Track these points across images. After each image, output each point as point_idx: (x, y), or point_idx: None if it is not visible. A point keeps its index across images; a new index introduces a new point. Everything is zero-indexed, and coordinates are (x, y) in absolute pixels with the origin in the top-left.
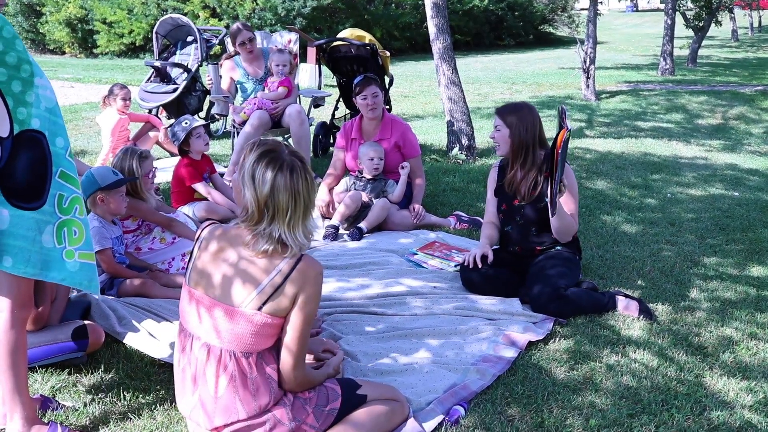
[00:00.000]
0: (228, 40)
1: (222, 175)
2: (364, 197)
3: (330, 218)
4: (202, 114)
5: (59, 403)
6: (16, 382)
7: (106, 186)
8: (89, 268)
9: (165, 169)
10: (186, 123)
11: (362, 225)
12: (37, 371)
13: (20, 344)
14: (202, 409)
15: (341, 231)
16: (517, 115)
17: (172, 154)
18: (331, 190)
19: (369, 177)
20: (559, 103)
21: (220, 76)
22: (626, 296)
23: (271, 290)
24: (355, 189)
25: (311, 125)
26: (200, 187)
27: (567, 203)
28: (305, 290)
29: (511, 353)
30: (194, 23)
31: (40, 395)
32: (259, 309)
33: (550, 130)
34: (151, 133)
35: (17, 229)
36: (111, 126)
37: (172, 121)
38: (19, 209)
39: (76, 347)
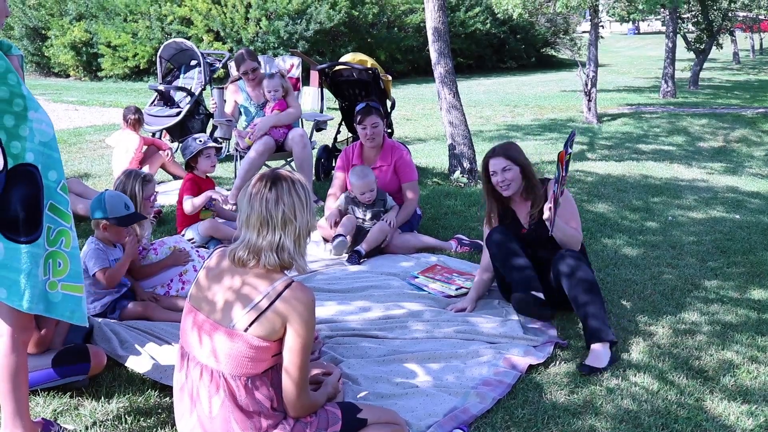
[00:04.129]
0: (231, 64)
1: (225, 198)
2: (358, 214)
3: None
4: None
5: (61, 426)
6: (17, 406)
7: (113, 219)
8: (72, 299)
9: (168, 192)
10: (200, 140)
11: (360, 248)
12: (39, 394)
13: (21, 368)
14: (201, 429)
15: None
16: (516, 151)
17: (176, 177)
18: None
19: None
20: (560, 126)
21: (224, 101)
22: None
23: (263, 307)
24: (351, 208)
25: (313, 149)
26: (187, 204)
27: (566, 213)
28: (297, 315)
29: (511, 377)
30: (198, 47)
31: (42, 419)
32: (246, 330)
33: (550, 153)
34: (160, 155)
35: (11, 261)
36: (135, 146)
37: (176, 144)
38: (12, 242)
39: (79, 370)
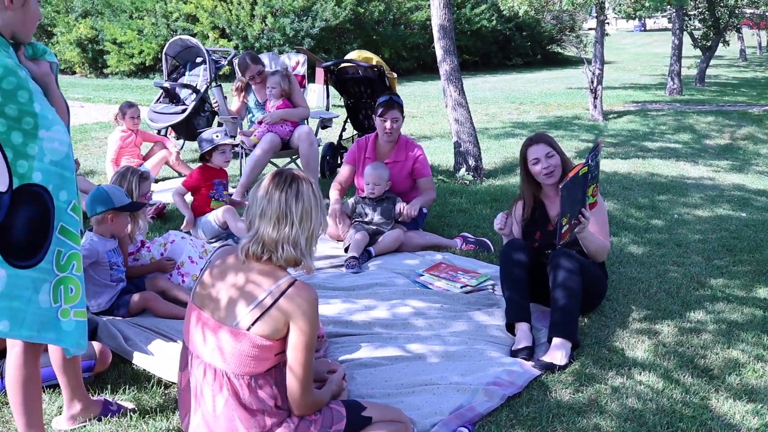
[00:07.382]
0: (236, 62)
1: (230, 195)
2: (367, 216)
3: (339, 240)
4: None
5: (119, 405)
6: (29, 419)
7: (120, 207)
8: (82, 326)
9: (173, 190)
10: (217, 136)
11: (371, 249)
12: (45, 391)
13: (33, 380)
14: (206, 427)
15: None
16: (554, 139)
17: (181, 175)
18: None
19: (374, 197)
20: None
21: (225, 97)
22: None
23: (267, 305)
24: (362, 209)
25: (319, 146)
26: (178, 200)
27: (593, 224)
28: (301, 313)
29: (523, 379)
30: (204, 44)
31: (104, 399)
32: (249, 328)
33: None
34: (163, 152)
35: (14, 290)
36: (112, 141)
37: (182, 141)
38: (16, 268)
39: (84, 368)
